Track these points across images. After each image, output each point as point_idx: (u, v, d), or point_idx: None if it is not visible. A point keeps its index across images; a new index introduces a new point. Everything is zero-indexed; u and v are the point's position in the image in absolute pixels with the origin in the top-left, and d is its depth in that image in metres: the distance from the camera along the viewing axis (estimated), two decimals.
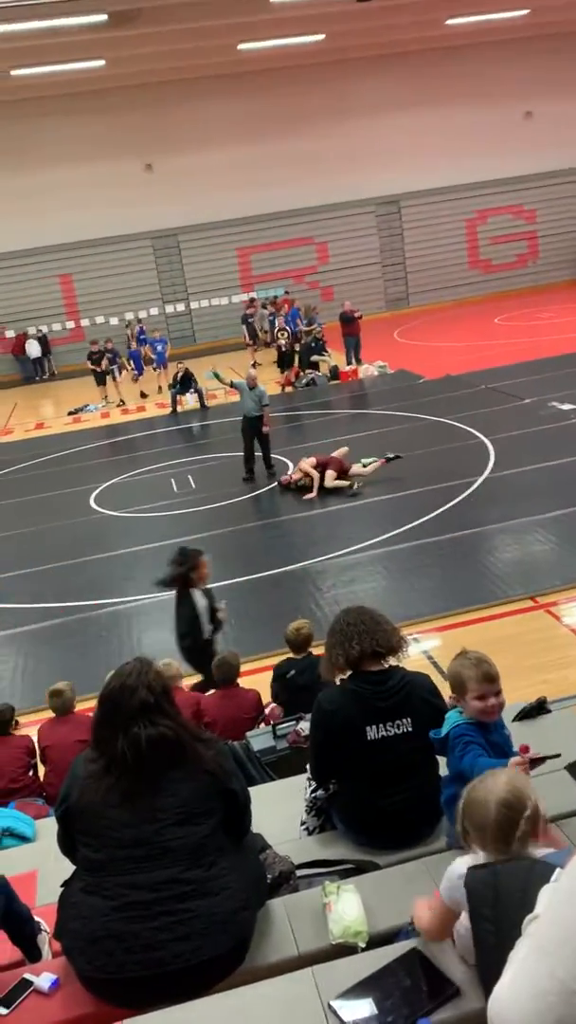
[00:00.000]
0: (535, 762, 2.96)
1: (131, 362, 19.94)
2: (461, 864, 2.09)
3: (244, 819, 2.70)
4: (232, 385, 12.34)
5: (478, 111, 25.77)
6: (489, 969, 1.43)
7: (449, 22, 22.45)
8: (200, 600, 6.50)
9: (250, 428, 12.27)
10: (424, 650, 6.89)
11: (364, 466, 11.48)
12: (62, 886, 2.61)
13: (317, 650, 5.77)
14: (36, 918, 2.89)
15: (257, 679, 6.14)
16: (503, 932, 1.40)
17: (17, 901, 2.75)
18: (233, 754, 4.44)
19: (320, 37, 21.67)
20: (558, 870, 1.19)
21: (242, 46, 21.51)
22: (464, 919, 2.08)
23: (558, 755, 3.01)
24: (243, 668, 6.54)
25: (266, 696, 5.73)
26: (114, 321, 24.69)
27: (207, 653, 6.33)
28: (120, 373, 19.27)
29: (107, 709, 2.62)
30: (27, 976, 2.51)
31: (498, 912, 1.46)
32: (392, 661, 3.24)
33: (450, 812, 2.94)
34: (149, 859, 2.40)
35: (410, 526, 9.64)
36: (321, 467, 11.40)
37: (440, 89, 25.34)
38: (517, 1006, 1.02)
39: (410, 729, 3.07)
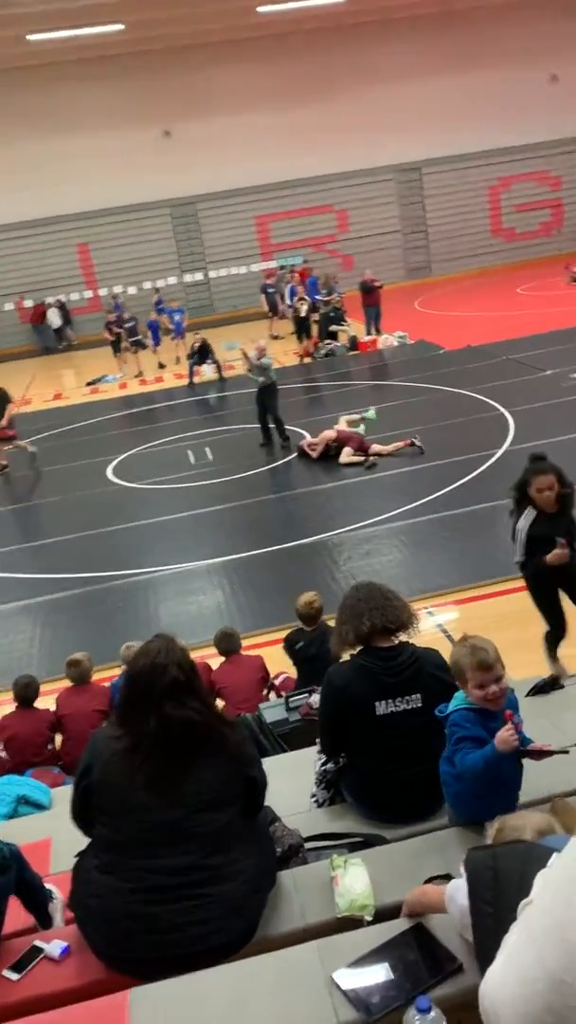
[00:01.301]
0: (543, 754, 2.96)
1: (148, 331, 19.82)
2: (459, 883, 2.04)
3: (260, 802, 2.73)
4: (247, 357, 12.39)
5: (502, 75, 25.20)
6: (486, 951, 1.44)
7: None
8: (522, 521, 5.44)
9: (259, 397, 12.37)
10: (439, 623, 6.89)
11: (368, 417, 11.56)
12: (76, 856, 2.64)
13: (330, 621, 5.84)
14: (49, 886, 2.93)
15: (272, 651, 6.16)
16: (501, 915, 1.41)
17: (29, 870, 2.78)
18: (246, 726, 4.51)
19: None
20: (554, 855, 1.19)
21: (261, 8, 21.12)
22: (463, 899, 2.08)
23: (566, 751, 3.01)
24: (258, 640, 6.62)
25: (276, 665, 5.79)
26: (132, 290, 24.56)
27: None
28: (157, 344, 19.17)
29: (138, 688, 2.58)
30: (38, 943, 2.55)
31: (497, 894, 1.46)
32: (403, 637, 3.24)
33: (446, 789, 2.95)
34: (170, 844, 2.42)
35: (428, 499, 9.59)
36: (340, 443, 11.39)
37: (463, 53, 24.79)
38: (507, 991, 1.02)
39: (419, 705, 3.08)
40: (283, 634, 6.49)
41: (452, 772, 2.88)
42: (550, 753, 2.99)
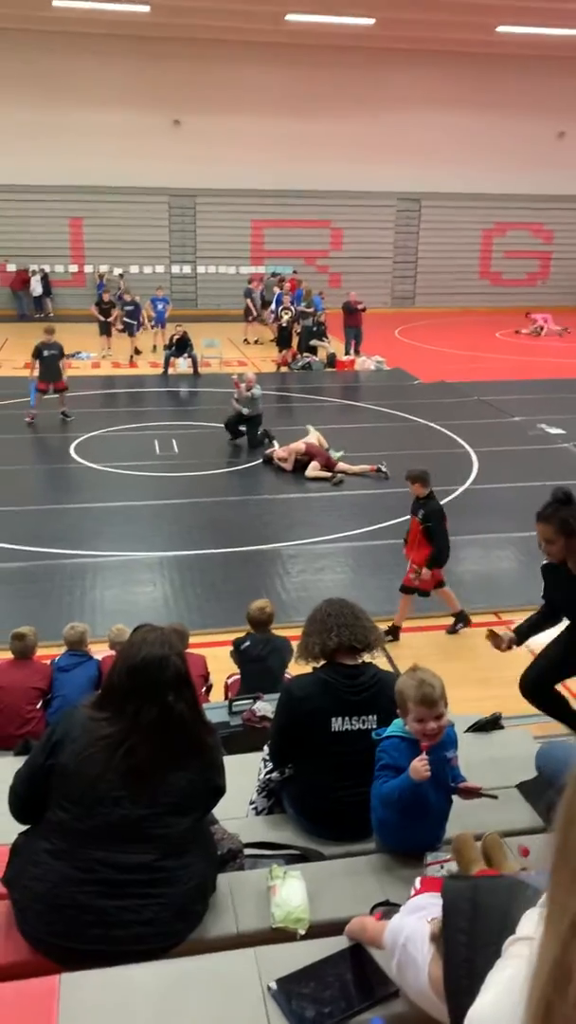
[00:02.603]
0: (471, 793, 3.00)
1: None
2: (411, 929, 2.02)
3: (213, 807, 2.72)
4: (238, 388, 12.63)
5: (513, 122, 25.69)
6: (456, 982, 1.44)
7: (499, 29, 22.32)
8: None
9: (235, 421, 12.51)
10: (384, 649, 6.93)
11: (337, 458, 11.62)
12: (21, 835, 2.57)
13: (278, 631, 5.88)
14: None
15: (218, 652, 6.13)
16: (476, 947, 1.41)
17: None
18: None
19: (370, 21, 21.44)
20: (546, 894, 1.20)
21: (290, 16, 21.21)
22: (407, 969, 2.03)
23: (495, 797, 3.07)
24: (203, 640, 6.58)
25: (221, 667, 5.78)
26: (118, 271, 24.34)
27: None
28: (139, 329, 18.95)
29: (141, 682, 2.50)
30: None
31: (474, 927, 1.47)
32: (366, 657, 3.26)
33: (373, 815, 2.95)
34: (130, 841, 2.38)
35: (386, 524, 9.66)
36: (308, 456, 11.45)
37: (479, 94, 25.20)
38: None
39: (374, 726, 3.09)
40: (229, 637, 6.47)
41: (377, 802, 2.90)
42: (479, 795, 3.02)
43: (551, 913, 0.97)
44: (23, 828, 2.61)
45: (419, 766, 2.70)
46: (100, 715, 2.51)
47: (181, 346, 17.08)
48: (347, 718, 3.09)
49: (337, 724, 3.09)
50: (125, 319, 18.73)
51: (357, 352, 18.95)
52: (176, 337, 17.09)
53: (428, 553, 7.01)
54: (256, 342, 21.20)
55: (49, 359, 13.51)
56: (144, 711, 2.47)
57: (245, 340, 21.34)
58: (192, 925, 2.45)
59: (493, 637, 4.45)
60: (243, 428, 12.54)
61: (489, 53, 24.61)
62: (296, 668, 3.57)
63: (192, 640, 6.26)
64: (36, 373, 13.53)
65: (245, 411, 12.41)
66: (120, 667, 2.57)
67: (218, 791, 2.64)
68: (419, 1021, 1.93)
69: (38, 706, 5.22)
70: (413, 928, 2.05)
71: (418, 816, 2.84)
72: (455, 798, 3.01)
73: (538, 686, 4.41)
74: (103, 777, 2.41)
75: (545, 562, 4.44)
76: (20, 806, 2.58)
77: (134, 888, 2.35)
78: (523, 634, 4.45)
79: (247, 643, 5.56)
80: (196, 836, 2.53)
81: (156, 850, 2.40)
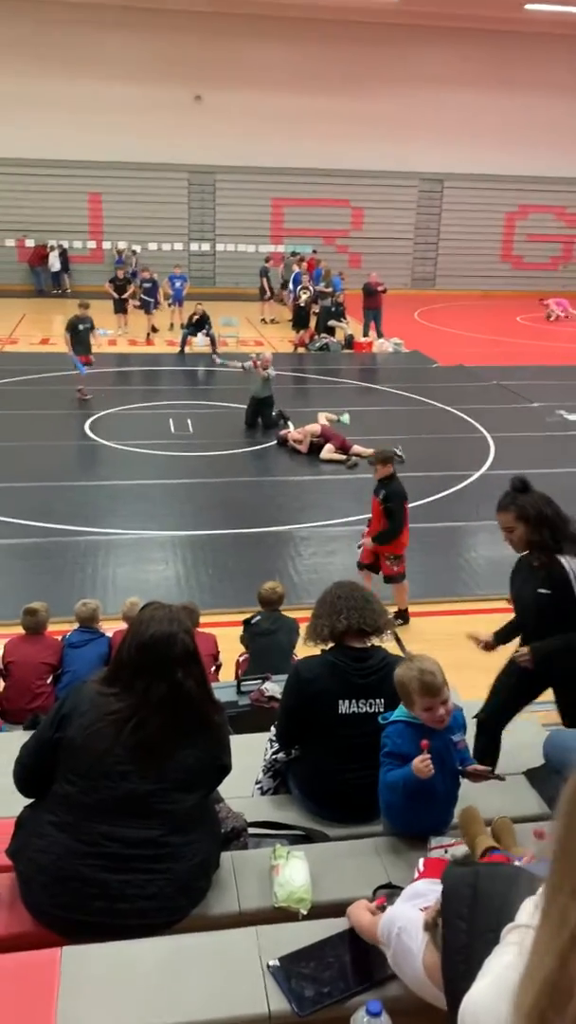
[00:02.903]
0: (480, 776, 3.01)
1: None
2: (405, 919, 2.04)
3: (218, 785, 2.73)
4: (244, 368, 12.55)
5: (539, 103, 25.27)
6: (454, 967, 1.45)
7: (528, 7, 21.94)
8: None
9: (253, 406, 12.44)
10: (393, 633, 6.93)
11: (340, 419, 11.80)
12: (26, 808, 2.59)
13: (288, 612, 5.92)
14: None
15: (229, 632, 6.14)
16: (476, 934, 1.41)
17: None
18: None
19: None
20: (543, 891, 1.19)
21: None
22: (401, 959, 2.04)
23: (503, 779, 3.13)
24: (213, 619, 6.59)
25: (232, 647, 5.82)
26: (136, 247, 24.24)
27: None
28: (155, 307, 18.87)
29: (150, 658, 2.51)
30: None
31: (474, 913, 1.47)
32: (375, 641, 3.25)
33: (380, 798, 2.96)
34: (136, 816, 2.39)
35: None
36: (323, 438, 11.43)
37: (505, 73, 24.80)
38: (495, 1013, 1.02)
39: (381, 710, 3.09)
40: (239, 617, 6.50)
41: (383, 787, 2.90)
42: (487, 777, 3.05)
43: (548, 917, 0.93)
44: (28, 802, 2.62)
45: (421, 766, 2.71)
46: (109, 690, 2.52)
47: (199, 325, 17.00)
48: (354, 701, 3.09)
49: (344, 706, 3.09)
50: (142, 296, 18.66)
51: (379, 334, 18.80)
52: (195, 316, 17.00)
53: (382, 530, 7.13)
54: (272, 321, 21.10)
55: (84, 333, 13.77)
56: (153, 687, 2.48)
57: (262, 320, 21.24)
58: (195, 901, 2.46)
59: (474, 639, 4.39)
60: (259, 419, 12.55)
61: (517, 31, 24.20)
62: (305, 651, 3.57)
63: (203, 620, 6.27)
64: (72, 348, 13.72)
65: (264, 394, 12.35)
66: (129, 643, 2.57)
67: (224, 769, 2.65)
68: (416, 1005, 1.94)
69: (48, 681, 5.26)
70: (407, 918, 2.05)
71: (425, 800, 2.85)
72: (464, 781, 3.02)
73: (498, 723, 3.97)
74: (111, 752, 2.42)
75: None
76: (25, 777, 2.60)
77: (138, 863, 2.37)
78: (501, 638, 4.30)
79: (257, 618, 5.69)
80: (201, 813, 2.54)
81: (161, 826, 2.41)
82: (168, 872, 2.39)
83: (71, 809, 2.42)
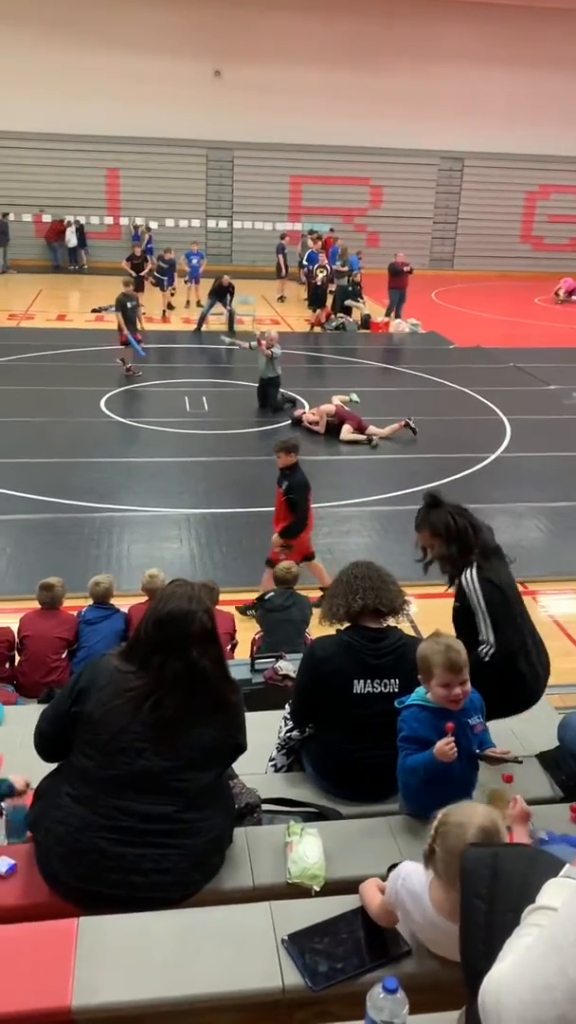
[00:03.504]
0: (495, 759, 3.01)
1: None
2: (408, 880, 2.11)
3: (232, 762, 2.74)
4: (251, 347, 12.37)
5: (563, 81, 24.88)
6: (473, 947, 1.45)
7: None
8: None
9: (262, 387, 12.30)
10: (409, 614, 6.93)
11: (350, 400, 11.66)
12: (45, 779, 2.61)
13: (303, 591, 5.95)
14: None
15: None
16: (495, 914, 1.42)
17: None
18: None
19: None
20: (568, 866, 1.20)
21: None
22: (410, 904, 2.08)
23: (520, 762, 3.10)
24: (227, 597, 6.62)
25: (244, 625, 5.87)
26: (154, 224, 24.09)
27: None
28: (170, 284, 18.77)
29: (166, 634, 2.52)
30: None
31: (493, 893, 1.47)
32: (391, 621, 3.25)
33: (399, 779, 2.95)
34: (151, 792, 2.42)
35: (415, 489, 9.58)
36: (338, 419, 11.39)
37: (529, 50, 24.38)
38: (516, 995, 1.02)
39: (396, 690, 3.09)
40: (253, 595, 6.53)
41: (402, 770, 2.90)
42: (504, 760, 3.04)
43: None
44: (46, 773, 2.65)
45: (446, 748, 2.70)
46: (128, 667, 2.53)
47: (221, 294, 16.79)
48: (369, 681, 3.09)
49: (359, 686, 3.09)
50: (156, 274, 18.55)
51: (398, 315, 18.63)
52: (226, 283, 16.70)
53: (287, 525, 7.07)
54: (281, 299, 21.00)
55: (132, 311, 13.86)
56: (169, 664, 2.48)
57: (279, 298, 21.12)
58: (208, 876, 2.48)
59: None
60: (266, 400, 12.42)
61: (541, 7, 23.78)
62: (320, 630, 3.57)
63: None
64: (126, 327, 13.74)
65: (270, 374, 12.21)
66: (148, 619, 2.58)
67: (239, 748, 2.67)
68: (432, 982, 1.95)
69: (63, 656, 5.29)
70: (409, 869, 2.12)
71: (442, 783, 2.84)
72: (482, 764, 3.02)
73: None
74: (128, 728, 2.43)
75: None
76: (47, 746, 2.62)
77: (153, 837, 2.39)
78: None
79: (271, 594, 5.74)
80: (216, 791, 2.56)
81: (176, 802, 2.43)
82: (182, 848, 2.41)
83: (88, 783, 2.45)
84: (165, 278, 18.58)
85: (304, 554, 7.17)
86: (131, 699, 2.46)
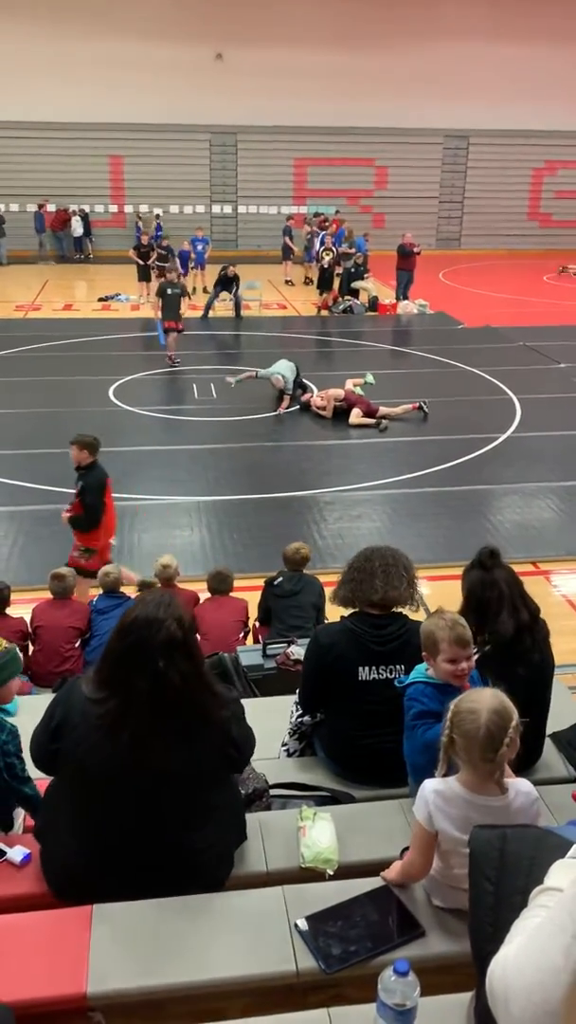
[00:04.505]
0: None
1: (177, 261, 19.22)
2: (431, 783, 2.23)
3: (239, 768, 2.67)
4: (257, 376, 12.04)
5: (568, 55, 24.54)
6: (482, 928, 1.46)
7: None
8: None
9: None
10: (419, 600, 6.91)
11: (365, 382, 11.55)
12: (48, 789, 2.59)
13: (312, 572, 5.91)
14: None
15: (252, 597, 6.16)
16: (503, 896, 1.42)
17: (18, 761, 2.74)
18: (222, 666, 4.53)
19: None
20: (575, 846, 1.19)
21: None
22: (437, 867, 2.12)
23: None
24: (239, 584, 6.61)
25: (254, 611, 5.84)
26: (157, 211, 23.99)
27: None
28: (183, 271, 18.61)
29: (129, 643, 2.34)
30: (1, 846, 2.56)
31: (501, 875, 1.48)
32: (397, 608, 3.24)
33: (408, 761, 2.95)
34: (146, 817, 2.34)
35: (425, 472, 9.58)
36: (348, 404, 11.34)
37: (534, 25, 24.05)
38: (524, 978, 1.02)
39: (399, 682, 3.07)
40: (261, 581, 6.51)
41: (414, 749, 2.89)
42: None
43: None
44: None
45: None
46: (97, 693, 2.37)
47: (228, 283, 16.75)
48: (374, 667, 3.09)
49: (364, 673, 3.09)
50: (158, 263, 18.39)
51: (406, 296, 18.49)
52: (231, 274, 16.67)
53: (73, 515, 6.64)
54: (288, 282, 20.91)
55: (172, 298, 13.58)
56: (135, 679, 2.31)
57: (286, 281, 21.03)
58: (215, 885, 2.43)
59: None
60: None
61: None
62: (334, 612, 3.56)
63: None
64: (160, 312, 13.64)
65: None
66: (115, 629, 2.45)
67: (234, 761, 2.54)
68: (443, 964, 1.95)
69: (76, 645, 5.32)
70: (430, 782, 2.23)
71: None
72: None
73: None
74: (108, 760, 2.32)
75: None
76: (37, 763, 2.55)
77: (151, 859, 2.35)
78: None
79: (280, 579, 5.65)
80: (216, 806, 2.45)
81: (171, 825, 2.35)
82: (180, 869, 2.37)
83: (81, 812, 2.39)
84: (166, 266, 18.32)
85: (105, 561, 6.56)
86: (104, 728, 2.32)
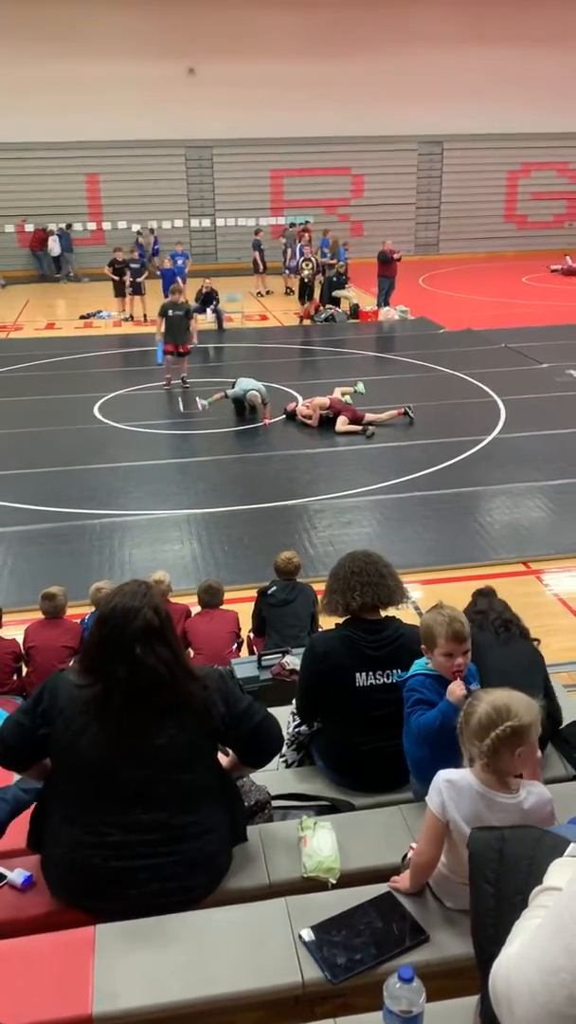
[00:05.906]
0: None
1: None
2: (444, 773, 2.25)
3: (272, 746, 2.64)
4: (227, 396, 11.91)
5: (542, 57, 24.76)
6: (483, 930, 1.46)
7: None
8: None
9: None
10: (413, 600, 6.92)
11: (356, 390, 11.61)
12: (39, 802, 2.59)
13: (304, 580, 5.92)
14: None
15: (246, 608, 6.16)
16: (503, 897, 1.42)
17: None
18: (220, 678, 4.51)
19: None
20: (573, 845, 1.19)
21: None
22: (442, 867, 2.12)
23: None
24: (231, 595, 6.60)
25: (246, 622, 5.83)
26: (136, 227, 24.05)
27: None
28: (143, 289, 18.49)
29: (107, 631, 2.41)
30: (1, 870, 2.55)
31: (501, 876, 1.48)
32: (390, 611, 3.24)
33: (409, 760, 2.98)
34: (136, 803, 2.37)
35: (413, 476, 9.61)
36: (334, 412, 11.36)
37: (505, 29, 24.25)
38: (525, 978, 1.02)
39: (398, 680, 3.09)
40: (252, 592, 6.50)
41: (412, 741, 2.91)
42: None
43: None
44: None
45: (457, 690, 2.74)
46: (82, 680, 2.44)
47: (207, 300, 16.85)
48: (371, 673, 3.10)
49: (361, 679, 3.09)
50: (134, 279, 18.18)
51: (387, 303, 18.56)
52: (204, 290, 16.80)
53: None
54: (268, 293, 20.98)
55: (174, 319, 13.19)
56: (114, 665, 2.38)
57: (258, 293, 21.09)
58: (216, 876, 2.46)
59: None
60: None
61: None
62: (328, 622, 3.56)
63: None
64: (162, 333, 13.31)
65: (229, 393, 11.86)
66: (95, 618, 2.53)
67: (218, 736, 2.54)
68: (448, 969, 1.95)
69: (70, 664, 5.29)
70: (443, 773, 2.24)
71: (452, 751, 2.84)
72: None
73: None
74: (96, 744, 2.37)
75: None
76: (5, 755, 2.53)
77: (145, 848, 2.35)
78: None
79: (273, 588, 5.65)
80: (208, 788, 2.48)
81: (164, 809, 2.37)
82: (178, 853, 2.37)
83: (74, 803, 2.41)
84: (140, 281, 18.18)
85: None
86: (90, 713, 2.38)
